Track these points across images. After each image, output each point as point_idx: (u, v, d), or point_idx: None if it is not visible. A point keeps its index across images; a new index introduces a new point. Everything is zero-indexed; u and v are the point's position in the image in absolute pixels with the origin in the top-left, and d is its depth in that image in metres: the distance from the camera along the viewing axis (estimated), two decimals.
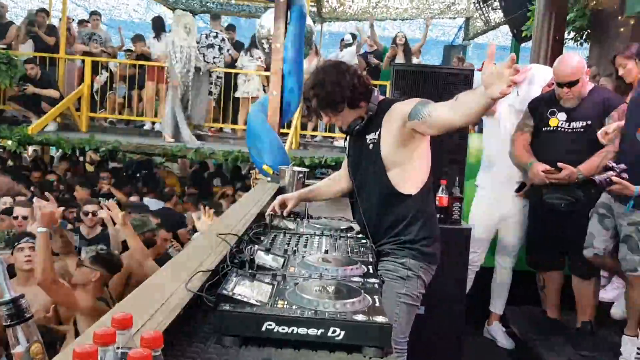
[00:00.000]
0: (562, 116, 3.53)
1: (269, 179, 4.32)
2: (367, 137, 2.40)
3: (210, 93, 8.33)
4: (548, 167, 3.43)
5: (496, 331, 4.09)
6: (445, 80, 3.37)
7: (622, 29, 5.28)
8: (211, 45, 8.43)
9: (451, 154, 3.41)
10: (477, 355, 3.88)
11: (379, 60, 8.65)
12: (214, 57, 8.35)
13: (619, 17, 5.29)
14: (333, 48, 9.40)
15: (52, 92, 7.79)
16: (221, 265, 1.94)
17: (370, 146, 2.40)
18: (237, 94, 8.33)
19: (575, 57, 3.51)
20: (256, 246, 1.97)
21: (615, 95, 3.59)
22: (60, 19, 9.04)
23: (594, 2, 5.39)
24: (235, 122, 8.53)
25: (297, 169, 4.10)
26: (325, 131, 8.37)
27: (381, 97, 2.44)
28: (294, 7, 4.48)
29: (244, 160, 7.06)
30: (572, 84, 3.42)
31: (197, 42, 7.85)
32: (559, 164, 3.39)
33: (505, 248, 4.02)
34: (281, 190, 4.06)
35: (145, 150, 7.36)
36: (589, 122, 3.44)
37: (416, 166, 2.38)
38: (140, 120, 8.61)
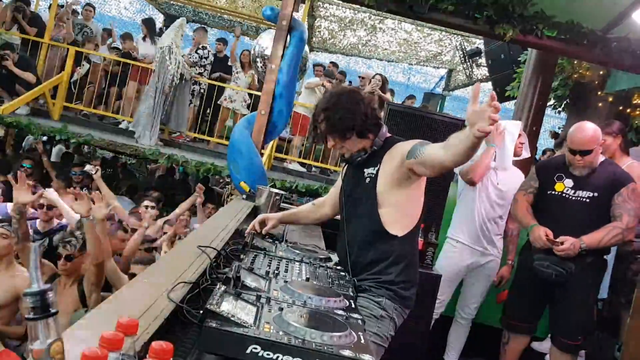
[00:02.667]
0: (569, 182, 3.49)
1: (244, 196, 4.29)
2: (365, 170, 2.40)
3: (190, 102, 8.31)
4: (550, 233, 3.38)
5: None
6: (438, 125, 3.42)
7: (600, 104, 5.49)
8: (200, 57, 8.49)
9: (431, 200, 3.44)
10: None
11: None
12: (201, 68, 8.42)
13: (599, 92, 5.51)
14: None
15: (28, 76, 7.60)
16: (202, 278, 1.91)
17: (367, 180, 2.39)
18: (222, 103, 8.34)
19: (592, 127, 3.43)
20: (240, 264, 1.94)
21: (625, 172, 3.52)
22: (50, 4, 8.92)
23: (577, 75, 5.61)
24: (211, 133, 8.51)
25: (275, 190, 4.08)
26: (300, 156, 8.39)
27: (388, 135, 2.45)
28: (295, 32, 4.52)
29: (216, 173, 6.99)
30: (585, 152, 3.37)
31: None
32: (560, 238, 3.35)
33: (468, 299, 4.06)
34: (256, 210, 4.03)
35: (118, 148, 7.20)
36: (596, 194, 3.40)
37: (408, 209, 2.37)
38: (115, 117, 8.47)
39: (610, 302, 4.19)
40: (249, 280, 1.82)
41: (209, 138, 8.46)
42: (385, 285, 2.35)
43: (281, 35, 4.44)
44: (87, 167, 6.21)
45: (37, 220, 5.23)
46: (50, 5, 8.79)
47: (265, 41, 5.05)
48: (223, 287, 1.65)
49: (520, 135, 3.94)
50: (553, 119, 8.43)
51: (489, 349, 4.10)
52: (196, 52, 8.42)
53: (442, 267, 3.75)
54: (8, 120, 7.00)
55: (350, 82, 8.98)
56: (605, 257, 3.54)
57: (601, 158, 3.52)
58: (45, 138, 7.54)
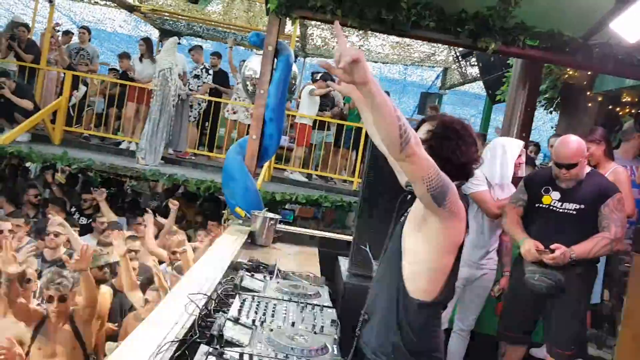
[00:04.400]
0: (555, 195, 3.52)
1: (240, 221, 4.38)
2: (409, 208, 2.13)
3: (191, 118, 8.44)
4: (540, 246, 3.43)
5: None
6: None
7: (590, 104, 5.54)
8: (197, 76, 8.62)
9: None
10: None
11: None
12: (198, 86, 8.54)
13: (588, 93, 5.55)
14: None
15: (25, 103, 7.72)
16: (190, 333, 2.00)
17: (402, 218, 2.15)
18: (226, 116, 8.47)
19: (576, 140, 3.45)
20: (224, 316, 2.03)
21: (610, 182, 3.55)
22: (45, 29, 9.04)
23: (566, 76, 5.66)
24: (211, 147, 8.66)
25: (269, 215, 4.17)
26: (301, 165, 8.48)
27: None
28: (281, 57, 4.60)
29: (216, 190, 7.09)
30: (571, 166, 3.41)
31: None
32: (552, 246, 3.39)
33: (466, 311, 4.13)
34: (252, 235, 4.13)
35: (119, 171, 7.32)
36: (582, 206, 3.43)
37: (432, 265, 2.02)
38: (115, 138, 8.60)
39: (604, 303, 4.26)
40: (234, 334, 1.91)
41: (209, 153, 8.58)
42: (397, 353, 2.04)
43: (268, 61, 4.53)
44: (96, 193, 6.36)
45: (45, 249, 5.37)
46: (44, 32, 8.91)
47: (254, 64, 5.13)
48: (206, 348, 1.75)
49: (520, 155, 3.99)
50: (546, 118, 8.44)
51: (488, 358, 4.17)
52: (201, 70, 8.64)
53: None
54: (9, 150, 7.12)
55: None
56: (596, 264, 3.60)
57: (587, 169, 3.57)
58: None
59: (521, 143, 4.11)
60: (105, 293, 4.29)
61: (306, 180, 8.41)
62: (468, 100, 13.15)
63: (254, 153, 4.60)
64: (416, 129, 2.07)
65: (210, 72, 8.83)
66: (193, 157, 8.50)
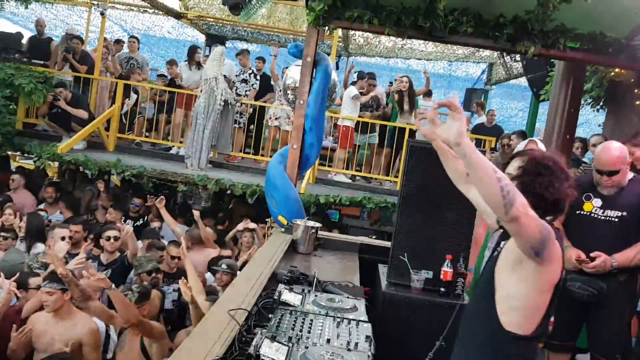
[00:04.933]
0: (597, 202, 3.50)
1: (282, 229, 4.51)
2: (504, 242, 2.13)
3: (235, 122, 8.65)
4: (582, 255, 3.42)
5: None
6: None
7: (638, 102, 5.39)
8: (244, 80, 8.83)
9: (457, 230, 3.52)
10: None
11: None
12: (246, 91, 8.75)
13: (636, 90, 5.41)
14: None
15: (81, 113, 8.11)
16: (230, 350, 2.13)
17: (495, 253, 2.17)
18: (269, 123, 8.64)
19: (618, 147, 3.43)
20: (262, 335, 2.14)
21: None
22: (97, 38, 9.45)
23: (612, 74, 5.52)
24: (257, 151, 8.86)
25: (310, 224, 4.29)
26: (345, 167, 8.57)
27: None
28: (320, 67, 4.69)
29: (262, 194, 7.24)
30: (612, 173, 3.39)
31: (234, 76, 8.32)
32: (592, 254, 3.38)
33: None
34: (294, 243, 4.25)
35: (169, 177, 7.60)
36: (624, 213, 3.40)
37: (528, 303, 2.01)
38: (165, 144, 8.92)
39: None
40: (271, 352, 2.02)
41: (255, 157, 8.79)
42: None
43: (307, 72, 4.63)
44: (156, 202, 6.65)
45: (101, 255, 5.65)
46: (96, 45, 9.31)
47: (294, 73, 5.24)
48: None
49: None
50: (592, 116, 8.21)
51: None
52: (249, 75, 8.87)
53: None
54: (67, 159, 7.52)
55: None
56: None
57: (630, 175, 3.52)
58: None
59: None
60: (154, 298, 4.51)
61: (350, 181, 8.50)
62: (515, 94, 12.88)
63: (295, 162, 4.71)
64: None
65: (258, 77, 9.02)
66: (240, 160, 8.73)
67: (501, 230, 2.21)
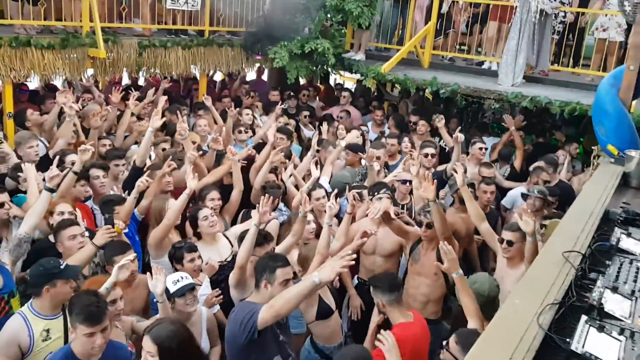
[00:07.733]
0: None
1: (612, 160, 4.23)
2: None
3: (551, 33, 8.05)
4: None
5: None
6: None
7: None
8: None
9: None
10: None
11: None
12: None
13: None
14: None
15: None
16: (567, 295, 2.20)
17: None
18: (595, 35, 7.84)
19: None
20: (603, 284, 2.16)
21: None
22: None
23: None
24: (576, 62, 8.15)
25: None
26: None
27: None
28: None
29: (582, 112, 6.74)
30: None
31: None
32: None
33: None
34: (626, 176, 3.97)
35: (481, 94, 7.62)
36: None
37: None
38: (477, 59, 8.86)
39: None
40: (613, 305, 2.03)
41: (572, 70, 8.12)
42: None
43: None
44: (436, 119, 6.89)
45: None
46: None
47: None
48: (585, 319, 1.94)
49: None
50: None
51: None
52: None
53: None
54: (389, 78, 8.16)
55: None
56: None
57: None
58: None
59: None
60: None
61: None
62: None
63: (630, 85, 4.28)
64: None
65: None
66: (550, 74, 8.16)
67: None
